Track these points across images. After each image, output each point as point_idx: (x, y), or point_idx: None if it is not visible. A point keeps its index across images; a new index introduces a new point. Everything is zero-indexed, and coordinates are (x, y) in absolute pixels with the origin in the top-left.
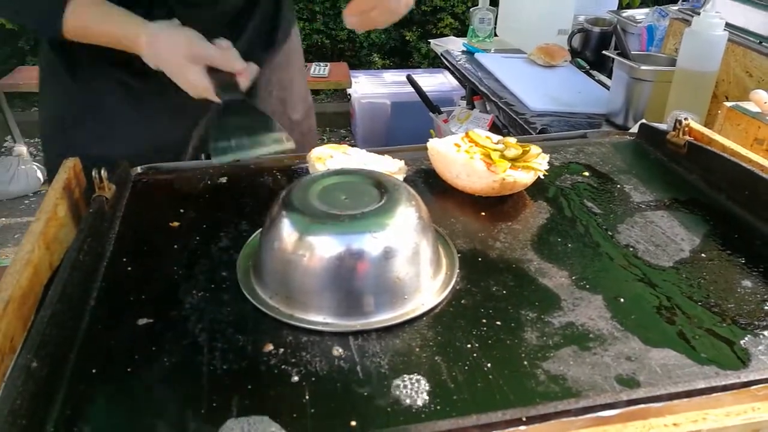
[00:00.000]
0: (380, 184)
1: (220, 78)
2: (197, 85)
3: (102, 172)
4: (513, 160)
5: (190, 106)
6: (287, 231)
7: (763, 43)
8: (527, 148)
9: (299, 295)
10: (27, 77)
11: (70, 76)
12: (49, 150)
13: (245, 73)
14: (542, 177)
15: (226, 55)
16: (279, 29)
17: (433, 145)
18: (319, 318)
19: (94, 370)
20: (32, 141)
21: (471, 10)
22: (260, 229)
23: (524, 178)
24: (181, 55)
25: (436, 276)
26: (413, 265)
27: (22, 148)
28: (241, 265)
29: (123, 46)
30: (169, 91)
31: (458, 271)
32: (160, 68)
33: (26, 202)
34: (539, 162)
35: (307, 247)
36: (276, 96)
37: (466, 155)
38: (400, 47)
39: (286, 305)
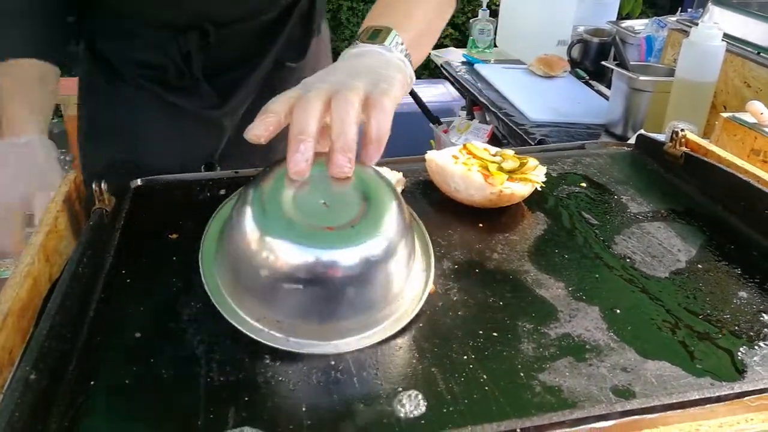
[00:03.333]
0: (369, 198)
1: None
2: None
3: (102, 184)
4: (510, 172)
5: (219, 123)
6: (266, 254)
7: (762, 54)
8: (525, 161)
9: (287, 318)
10: None
11: (112, 86)
12: (86, 156)
13: None
14: (539, 188)
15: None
16: (311, 34)
17: (431, 156)
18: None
19: (92, 382)
20: None
21: (471, 20)
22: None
23: (522, 190)
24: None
25: (416, 279)
26: (398, 280)
27: None
28: (205, 271)
29: None
30: (202, 107)
31: (448, 286)
32: None
33: None
34: (536, 174)
35: (293, 272)
36: None
37: (463, 167)
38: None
39: (276, 329)
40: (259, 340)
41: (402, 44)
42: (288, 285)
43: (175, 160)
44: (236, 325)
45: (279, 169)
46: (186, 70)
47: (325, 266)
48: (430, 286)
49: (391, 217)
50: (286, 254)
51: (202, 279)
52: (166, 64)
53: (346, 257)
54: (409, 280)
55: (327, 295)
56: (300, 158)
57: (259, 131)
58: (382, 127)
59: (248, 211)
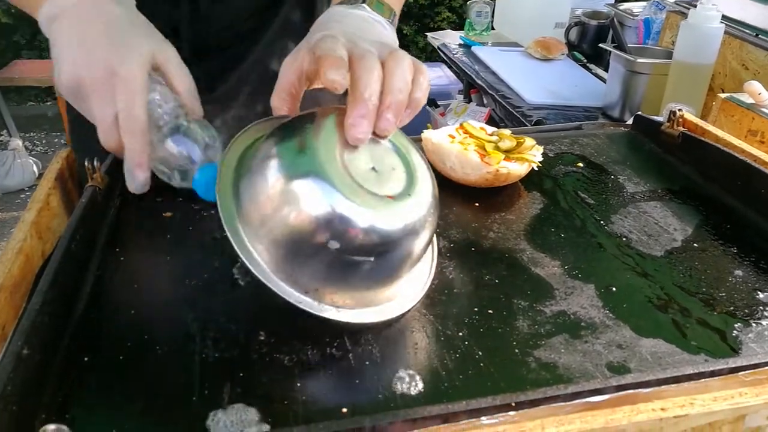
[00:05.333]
0: (409, 166)
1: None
2: (132, 114)
3: (95, 162)
4: (507, 152)
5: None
6: (308, 203)
7: (760, 36)
8: (521, 140)
9: (300, 276)
10: (22, 71)
11: None
12: (74, 141)
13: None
14: (536, 168)
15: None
16: (312, 17)
17: (428, 136)
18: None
19: (86, 358)
20: (28, 135)
21: (468, 3)
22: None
23: (518, 169)
24: (117, 60)
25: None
26: (419, 258)
27: (17, 142)
28: (225, 204)
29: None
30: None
31: (444, 264)
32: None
33: (22, 196)
34: (533, 154)
35: (332, 229)
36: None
37: (460, 146)
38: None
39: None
40: (324, 316)
41: (394, 22)
42: (359, 257)
43: None
44: (299, 305)
45: (323, 122)
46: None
47: (395, 237)
48: (436, 258)
49: (433, 186)
50: (364, 226)
51: (232, 243)
52: None
53: (408, 227)
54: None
55: (389, 265)
56: (366, 125)
57: (337, 77)
58: (426, 92)
59: (307, 175)
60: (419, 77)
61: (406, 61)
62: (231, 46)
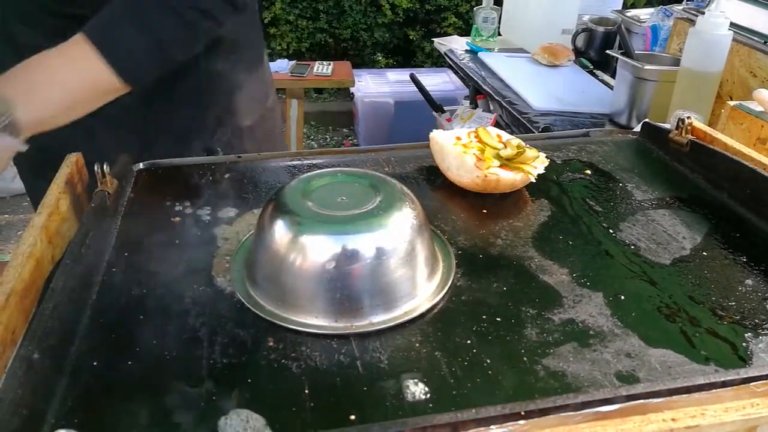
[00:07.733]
0: (375, 185)
1: None
2: None
3: (104, 166)
4: (508, 160)
5: None
6: (281, 232)
7: None
8: (521, 150)
9: (294, 298)
10: None
11: None
12: None
13: None
14: (534, 180)
15: None
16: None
17: (434, 135)
18: (316, 321)
19: (95, 363)
20: None
21: (475, 9)
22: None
23: (509, 177)
24: None
25: (433, 277)
26: (409, 266)
27: (24, 146)
28: (234, 268)
29: None
30: None
31: (455, 273)
32: None
33: (29, 199)
34: (534, 166)
35: (301, 249)
36: (220, 106)
37: (461, 148)
38: (404, 46)
39: (282, 308)
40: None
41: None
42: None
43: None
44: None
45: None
46: None
47: (355, 249)
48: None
49: (402, 207)
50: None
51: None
52: None
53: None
54: (430, 278)
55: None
56: None
57: None
58: None
59: (279, 222)
60: None
61: None
62: None
